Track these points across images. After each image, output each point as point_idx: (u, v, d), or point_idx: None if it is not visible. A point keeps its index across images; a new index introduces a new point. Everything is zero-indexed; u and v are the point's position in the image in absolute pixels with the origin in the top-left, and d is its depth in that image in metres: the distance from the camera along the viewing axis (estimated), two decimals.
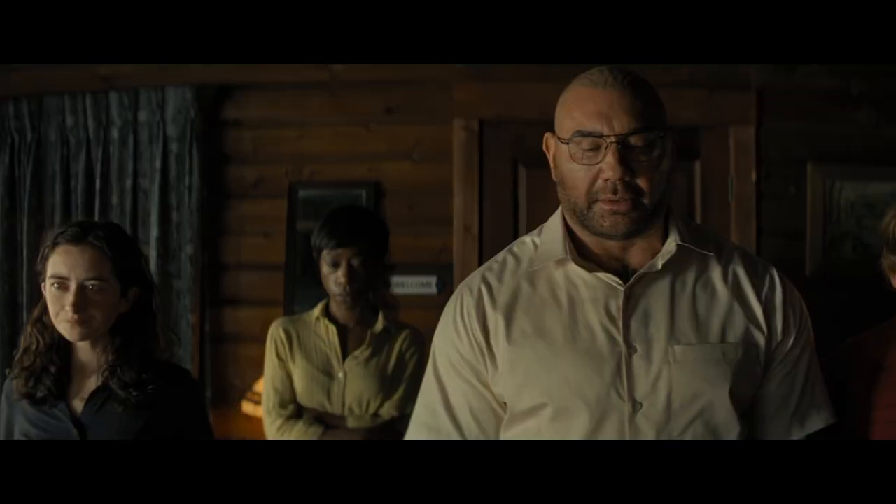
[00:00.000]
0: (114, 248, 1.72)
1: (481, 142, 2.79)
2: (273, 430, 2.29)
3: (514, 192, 2.81)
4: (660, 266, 1.38)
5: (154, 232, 2.71)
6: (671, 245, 1.39)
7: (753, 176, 2.83)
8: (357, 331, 2.32)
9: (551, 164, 1.40)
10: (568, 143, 1.32)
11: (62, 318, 1.68)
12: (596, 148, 1.30)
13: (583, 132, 1.30)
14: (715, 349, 1.36)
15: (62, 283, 1.67)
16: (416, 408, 1.47)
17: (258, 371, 2.38)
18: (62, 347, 1.73)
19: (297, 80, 2.79)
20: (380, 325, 2.31)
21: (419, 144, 2.81)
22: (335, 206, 2.41)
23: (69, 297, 1.66)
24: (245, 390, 2.75)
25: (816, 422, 1.43)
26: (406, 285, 2.79)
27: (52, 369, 1.71)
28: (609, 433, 1.33)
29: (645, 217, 1.34)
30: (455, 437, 1.41)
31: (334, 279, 2.24)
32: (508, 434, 1.40)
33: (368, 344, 2.29)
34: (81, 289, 1.68)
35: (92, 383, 1.73)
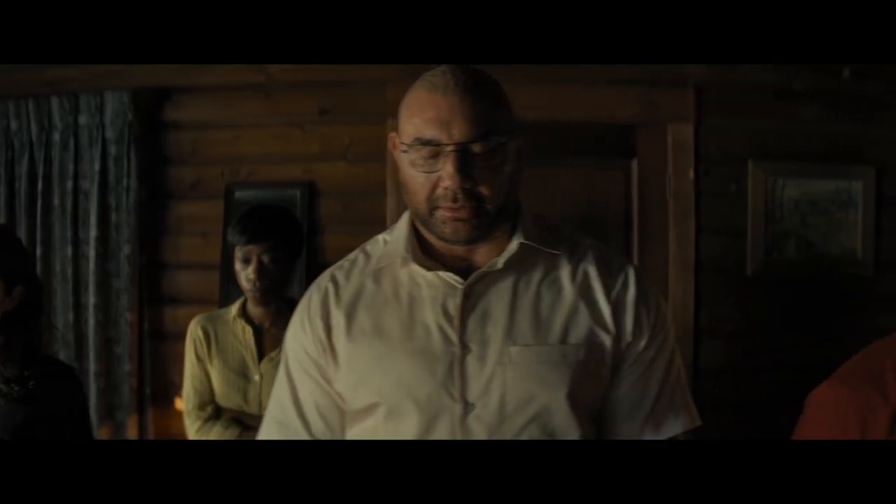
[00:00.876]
0: None
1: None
2: (192, 431, 2.32)
3: None
4: (500, 265, 1.36)
5: (93, 232, 2.76)
6: (513, 244, 1.37)
7: (691, 174, 2.78)
8: (272, 331, 2.34)
9: (399, 165, 1.40)
10: (408, 151, 1.31)
11: None
12: (435, 156, 1.29)
13: (422, 140, 1.29)
14: (554, 350, 1.34)
15: None
16: (269, 403, 1.48)
17: None
18: None
19: (234, 82, 2.82)
20: None
21: (353, 145, 2.83)
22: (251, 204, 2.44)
23: None
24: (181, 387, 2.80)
25: (674, 426, 1.40)
26: None
27: None
28: (440, 434, 1.32)
29: (487, 223, 1.33)
30: (303, 433, 1.42)
31: (245, 275, 2.26)
32: (351, 433, 1.41)
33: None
34: None
35: None
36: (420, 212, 1.35)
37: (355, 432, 1.39)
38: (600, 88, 2.79)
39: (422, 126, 1.29)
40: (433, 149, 1.28)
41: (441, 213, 1.32)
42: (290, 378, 1.45)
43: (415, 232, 1.42)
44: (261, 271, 2.24)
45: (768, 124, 2.79)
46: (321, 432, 1.41)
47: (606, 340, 1.36)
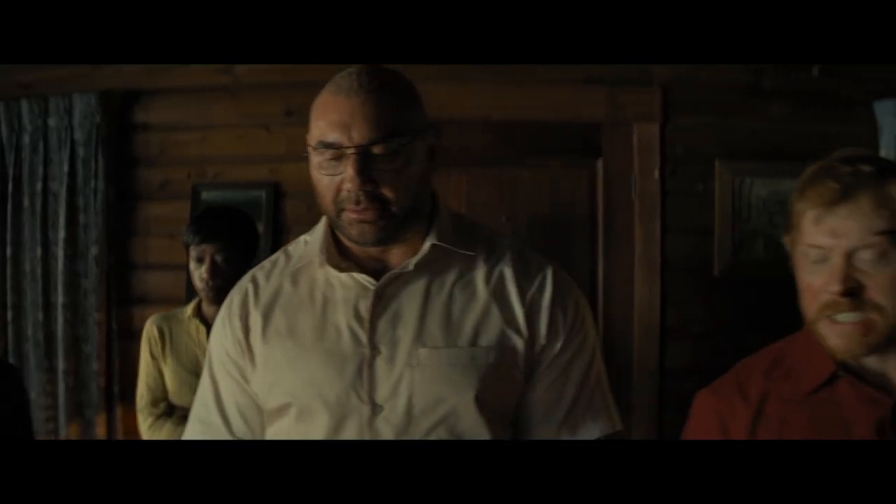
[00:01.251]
0: None
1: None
2: (144, 428, 2.35)
3: None
4: (412, 267, 1.36)
5: (62, 233, 2.79)
6: (426, 245, 1.37)
7: (656, 173, 2.76)
8: None
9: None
10: (312, 154, 1.31)
11: None
12: (338, 158, 1.29)
13: (324, 143, 1.29)
14: (462, 353, 1.33)
15: None
16: (194, 401, 1.50)
17: None
18: None
19: (200, 83, 2.84)
20: None
21: None
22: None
23: None
24: None
25: (591, 430, 1.39)
26: None
27: None
28: (349, 435, 1.33)
29: (394, 224, 1.32)
30: (224, 431, 1.43)
31: (198, 275, 2.29)
32: (269, 433, 1.41)
33: None
34: None
35: None
36: (329, 214, 1.35)
37: (272, 432, 1.40)
38: (565, 88, 2.77)
39: (325, 129, 1.30)
40: (335, 151, 1.29)
41: (347, 216, 1.32)
42: (213, 378, 1.46)
43: (332, 233, 1.43)
44: (214, 271, 2.26)
45: (736, 123, 2.76)
46: (241, 431, 1.42)
47: (519, 343, 1.35)
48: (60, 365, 2.80)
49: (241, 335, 1.41)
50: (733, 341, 2.76)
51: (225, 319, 1.45)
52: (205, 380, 1.48)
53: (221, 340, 1.45)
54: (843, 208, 1.14)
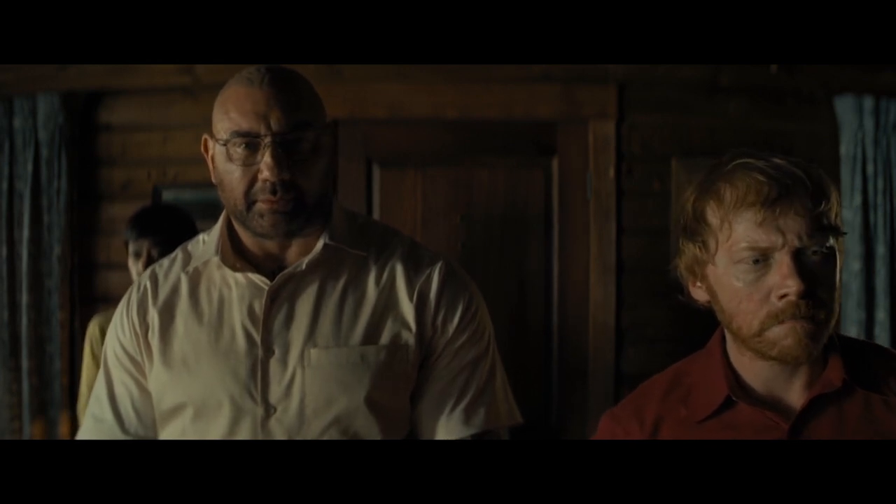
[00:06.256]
0: None
1: (336, 141, 2.80)
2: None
3: (368, 190, 2.81)
4: (304, 266, 1.37)
5: (26, 233, 2.84)
6: (318, 244, 1.38)
7: (612, 172, 2.72)
8: None
9: (210, 167, 1.41)
10: (225, 145, 1.32)
11: None
12: (253, 148, 1.30)
13: (239, 132, 1.30)
14: (354, 352, 1.34)
15: None
16: (91, 397, 1.51)
17: None
18: None
19: (161, 84, 2.87)
20: None
21: None
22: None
23: None
24: None
25: (484, 420, 1.38)
26: None
27: None
28: (243, 436, 1.34)
29: (305, 216, 1.34)
30: (116, 427, 1.44)
31: (136, 270, 2.32)
32: (163, 433, 1.42)
33: None
34: None
35: None
36: (238, 207, 1.35)
37: (167, 432, 1.41)
38: (520, 85, 2.75)
39: (239, 119, 1.30)
40: (251, 140, 1.29)
41: (259, 207, 1.33)
42: (108, 374, 1.48)
43: (229, 232, 1.43)
44: (150, 265, 2.28)
45: (693, 120, 2.73)
46: (134, 427, 1.44)
47: (410, 339, 1.36)
48: (24, 364, 2.84)
49: (139, 332, 1.42)
50: (690, 345, 2.71)
51: (123, 315, 1.47)
52: (100, 376, 1.49)
53: (118, 336, 1.46)
54: (785, 204, 1.06)
